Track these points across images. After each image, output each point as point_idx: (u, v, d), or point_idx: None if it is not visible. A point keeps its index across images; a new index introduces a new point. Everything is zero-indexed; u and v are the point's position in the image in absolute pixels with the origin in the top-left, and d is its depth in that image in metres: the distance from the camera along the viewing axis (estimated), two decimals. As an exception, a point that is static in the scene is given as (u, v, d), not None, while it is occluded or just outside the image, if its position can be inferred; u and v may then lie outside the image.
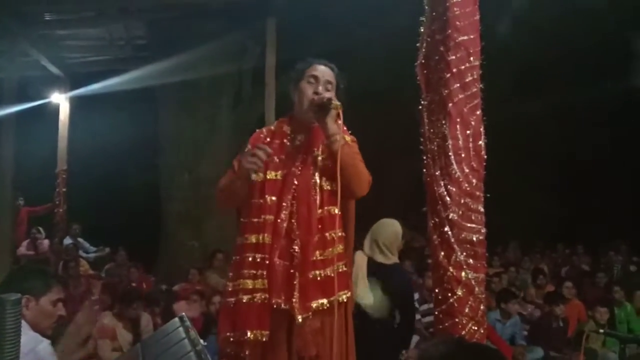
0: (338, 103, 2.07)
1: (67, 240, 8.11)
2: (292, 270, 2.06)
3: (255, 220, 2.10)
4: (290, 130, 2.22)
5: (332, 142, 2.08)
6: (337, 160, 2.05)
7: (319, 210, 2.10)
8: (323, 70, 2.20)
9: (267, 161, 2.10)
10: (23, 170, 7.10)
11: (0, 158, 6.63)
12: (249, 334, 2.01)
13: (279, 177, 2.14)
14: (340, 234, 2.14)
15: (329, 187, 2.12)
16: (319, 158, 2.15)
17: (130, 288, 5.49)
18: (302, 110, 2.18)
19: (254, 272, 2.06)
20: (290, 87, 2.26)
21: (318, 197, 2.11)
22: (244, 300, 2.04)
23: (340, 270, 2.12)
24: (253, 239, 2.09)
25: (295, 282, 2.03)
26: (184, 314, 1.47)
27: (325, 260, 2.08)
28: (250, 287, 2.05)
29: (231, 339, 2.05)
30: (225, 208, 2.35)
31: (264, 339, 2.02)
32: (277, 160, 2.15)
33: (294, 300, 2.02)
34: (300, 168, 2.14)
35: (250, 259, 2.08)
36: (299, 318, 2.01)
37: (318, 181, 2.12)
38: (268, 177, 2.13)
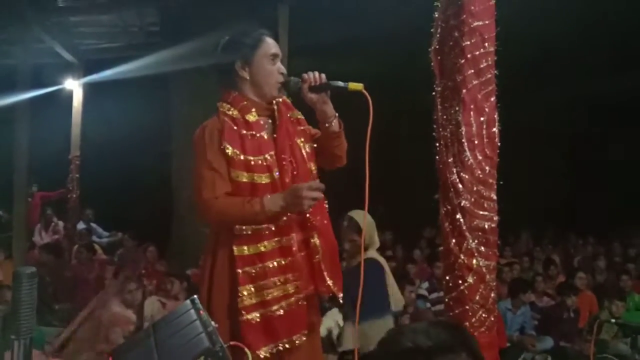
0: (360, 85, 1.98)
1: (81, 225, 8.22)
2: (317, 258, 2.06)
3: (270, 225, 1.98)
4: (258, 116, 2.07)
5: (331, 124, 2.09)
6: (342, 138, 2.14)
7: None
8: (277, 46, 2.13)
9: (259, 162, 1.99)
10: (37, 156, 7.17)
11: (15, 144, 6.69)
12: (296, 340, 1.98)
13: (276, 176, 2.02)
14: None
15: (314, 170, 2.16)
16: (306, 145, 2.13)
17: (126, 267, 5.58)
18: (267, 89, 2.08)
19: (283, 277, 1.98)
20: (237, 64, 2.08)
21: None
22: (279, 311, 1.96)
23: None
24: (274, 244, 1.99)
25: (323, 267, 2.07)
26: (195, 296, 1.48)
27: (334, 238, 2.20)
28: (282, 294, 1.97)
29: (270, 351, 1.95)
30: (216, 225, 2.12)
31: (305, 338, 2.02)
32: (270, 158, 2.01)
33: (329, 283, 2.07)
34: (291, 161, 2.06)
35: (276, 265, 1.98)
36: (340, 297, 2.11)
37: (312, 169, 2.13)
38: (264, 181, 1.99)
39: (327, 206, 2.18)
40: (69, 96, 8.20)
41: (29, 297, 1.01)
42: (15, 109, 6.61)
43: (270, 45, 2.10)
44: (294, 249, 2.00)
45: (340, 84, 2.02)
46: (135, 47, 7.71)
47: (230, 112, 2.06)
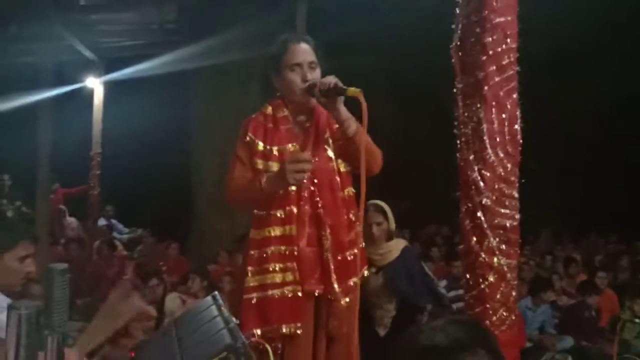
0: (358, 90, 1.93)
1: (102, 222, 8.34)
2: (326, 255, 2.05)
3: (278, 212, 2.06)
4: (290, 114, 2.18)
5: (347, 127, 2.06)
6: (357, 143, 2.03)
7: (340, 193, 2.14)
8: (303, 52, 2.11)
9: (273, 151, 2.10)
10: (59, 153, 7.29)
11: (38, 141, 6.81)
12: (284, 328, 2.01)
13: None
14: (358, 213, 2.14)
15: (344, 169, 2.17)
16: (330, 140, 2.16)
17: (147, 263, 5.60)
18: (295, 97, 2.14)
19: (282, 265, 2.04)
20: (271, 76, 2.21)
21: (338, 179, 2.14)
22: (274, 296, 2.02)
23: (361, 247, 2.21)
24: (278, 231, 2.06)
25: (331, 267, 2.06)
26: (216, 292, 1.49)
27: (351, 241, 2.14)
28: (279, 281, 2.04)
29: (259, 334, 2.00)
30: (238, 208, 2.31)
31: (299, 332, 2.02)
32: (291, 148, 2.11)
33: (334, 285, 2.05)
34: (314, 157, 2.09)
35: (276, 252, 2.05)
36: (343, 301, 2.07)
37: (335, 164, 2.14)
38: (276, 169, 2.07)
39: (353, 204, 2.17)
40: (90, 94, 8.30)
41: (61, 294, 1.03)
42: (38, 107, 6.73)
43: (292, 54, 2.11)
44: (299, 240, 2.04)
45: (341, 86, 1.97)
46: (155, 45, 7.75)
47: (265, 110, 2.22)
